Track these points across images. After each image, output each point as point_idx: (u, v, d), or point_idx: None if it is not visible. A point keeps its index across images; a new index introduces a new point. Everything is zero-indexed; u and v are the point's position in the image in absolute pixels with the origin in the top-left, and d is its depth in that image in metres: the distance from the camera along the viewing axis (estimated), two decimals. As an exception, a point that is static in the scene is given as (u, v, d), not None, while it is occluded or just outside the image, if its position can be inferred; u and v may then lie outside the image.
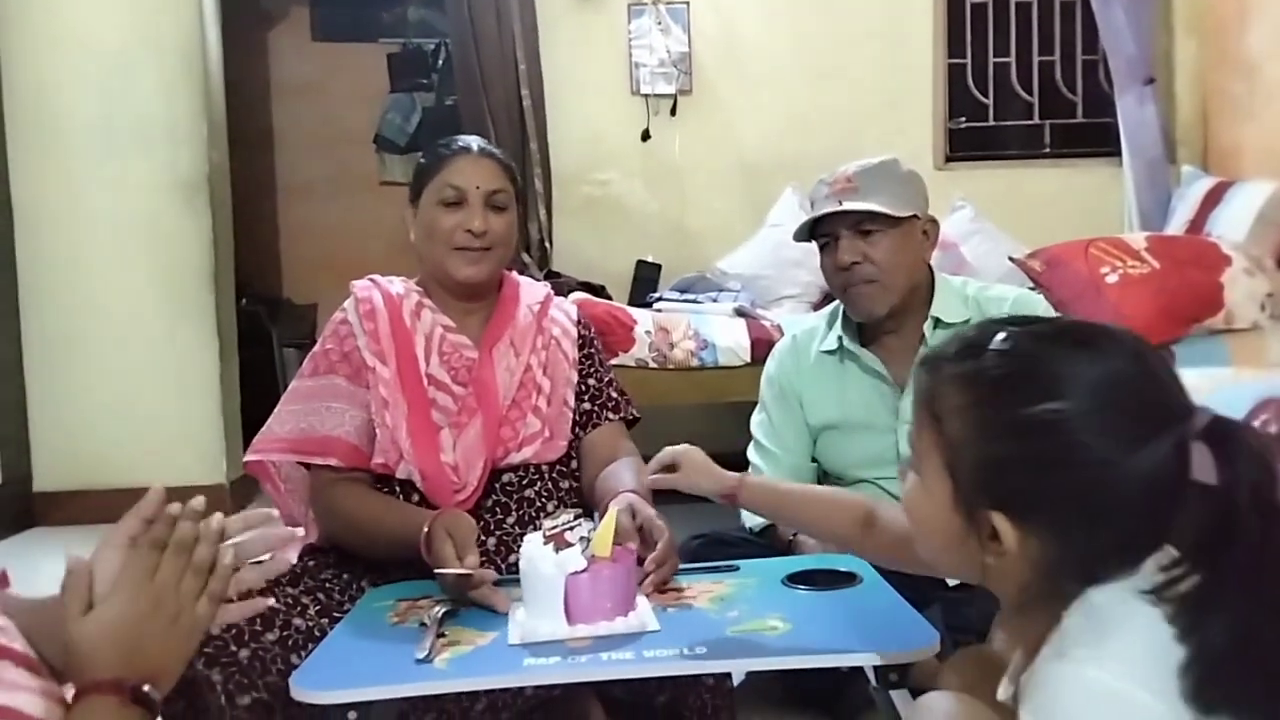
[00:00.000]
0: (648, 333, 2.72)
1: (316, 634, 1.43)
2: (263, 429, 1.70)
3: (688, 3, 3.80)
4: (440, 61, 5.21)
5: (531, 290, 1.80)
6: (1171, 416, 0.80)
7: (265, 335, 4.77)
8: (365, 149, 5.35)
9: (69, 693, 0.86)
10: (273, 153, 5.36)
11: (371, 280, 1.74)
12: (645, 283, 3.69)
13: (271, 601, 1.53)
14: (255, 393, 3.91)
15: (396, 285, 1.72)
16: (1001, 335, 0.87)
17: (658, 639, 1.24)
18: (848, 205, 1.69)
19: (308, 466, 1.68)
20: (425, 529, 1.44)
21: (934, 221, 1.79)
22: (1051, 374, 0.83)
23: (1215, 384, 2.04)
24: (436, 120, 5.24)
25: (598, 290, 3.31)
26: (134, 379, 3.50)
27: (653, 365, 2.67)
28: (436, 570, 1.39)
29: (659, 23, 3.76)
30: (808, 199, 1.85)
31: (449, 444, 1.63)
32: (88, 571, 0.88)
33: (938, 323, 1.76)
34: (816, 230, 1.77)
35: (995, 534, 0.83)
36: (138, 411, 3.50)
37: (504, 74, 3.61)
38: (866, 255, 1.71)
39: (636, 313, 2.83)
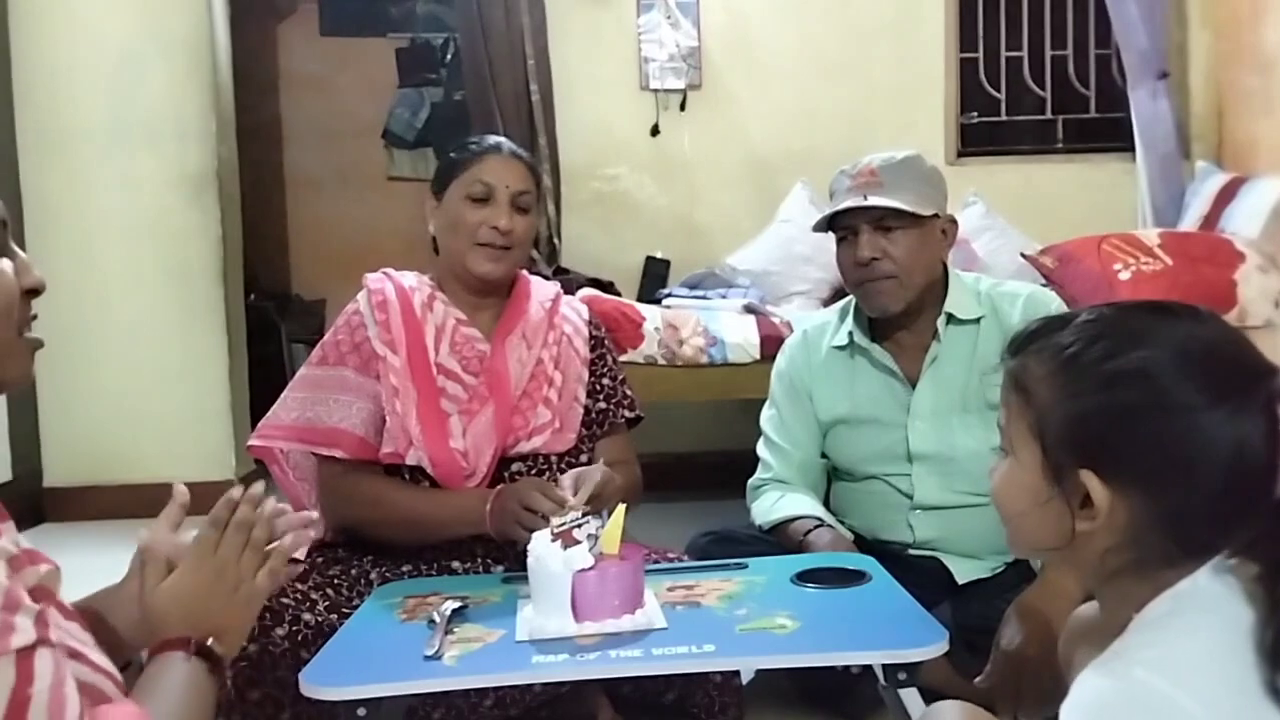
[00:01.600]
0: (656, 329, 2.71)
1: (325, 630, 1.43)
2: (268, 413, 1.71)
3: (697, -4, 3.79)
4: (449, 56, 5.20)
5: (542, 288, 1.83)
6: (1256, 374, 0.81)
7: (274, 330, 4.77)
8: (373, 144, 5.34)
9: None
10: (281, 147, 5.36)
11: (384, 273, 1.77)
12: (654, 279, 3.68)
13: (303, 566, 1.57)
14: (263, 388, 3.92)
15: (409, 279, 1.75)
16: (1085, 311, 0.90)
17: (666, 636, 1.24)
18: (872, 200, 1.67)
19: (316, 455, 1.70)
20: (489, 504, 1.52)
21: (953, 220, 1.78)
22: (1134, 330, 0.84)
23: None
24: (445, 115, 5.23)
25: (606, 286, 3.30)
26: (143, 375, 3.50)
27: (661, 362, 2.67)
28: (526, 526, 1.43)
29: (668, 17, 3.74)
30: (827, 188, 1.83)
31: (458, 430, 1.65)
32: (163, 550, 1.00)
33: (951, 319, 1.75)
34: (835, 222, 1.75)
35: (1087, 499, 0.83)
36: (147, 407, 3.50)
37: (512, 69, 3.60)
38: (886, 252, 1.70)
39: (645, 309, 2.82)
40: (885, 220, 1.70)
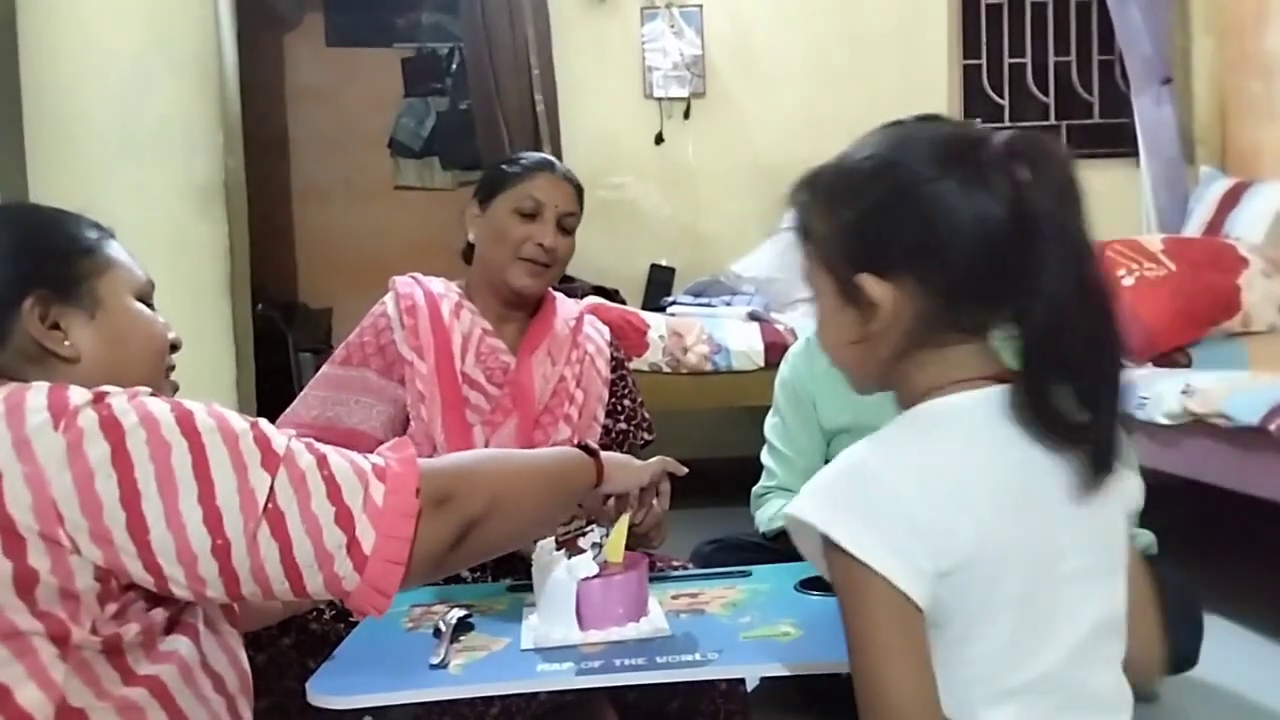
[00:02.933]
0: (661, 337, 2.72)
1: (332, 638, 1.44)
2: (289, 409, 1.71)
3: (701, 5, 3.81)
4: (454, 66, 5.22)
5: (567, 306, 1.85)
6: (981, 142, 0.87)
7: (281, 340, 4.79)
8: (380, 153, 5.37)
9: None
10: (288, 157, 5.39)
11: (413, 278, 1.77)
12: (659, 286, 3.69)
13: None
14: (271, 396, 3.94)
15: (437, 285, 1.76)
16: None
17: (670, 644, 1.24)
18: None
19: None
20: None
21: None
22: (871, 141, 0.94)
23: (1231, 387, 2.03)
24: (451, 125, 5.26)
25: (611, 294, 3.31)
26: (152, 384, 3.52)
27: (666, 370, 2.68)
28: None
29: (672, 26, 3.77)
30: None
31: (480, 440, 1.66)
32: None
33: None
34: None
35: (871, 302, 0.89)
36: (155, 416, 3.52)
37: (517, 78, 3.62)
38: None
39: (650, 317, 2.83)
40: None
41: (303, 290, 5.45)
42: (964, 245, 0.85)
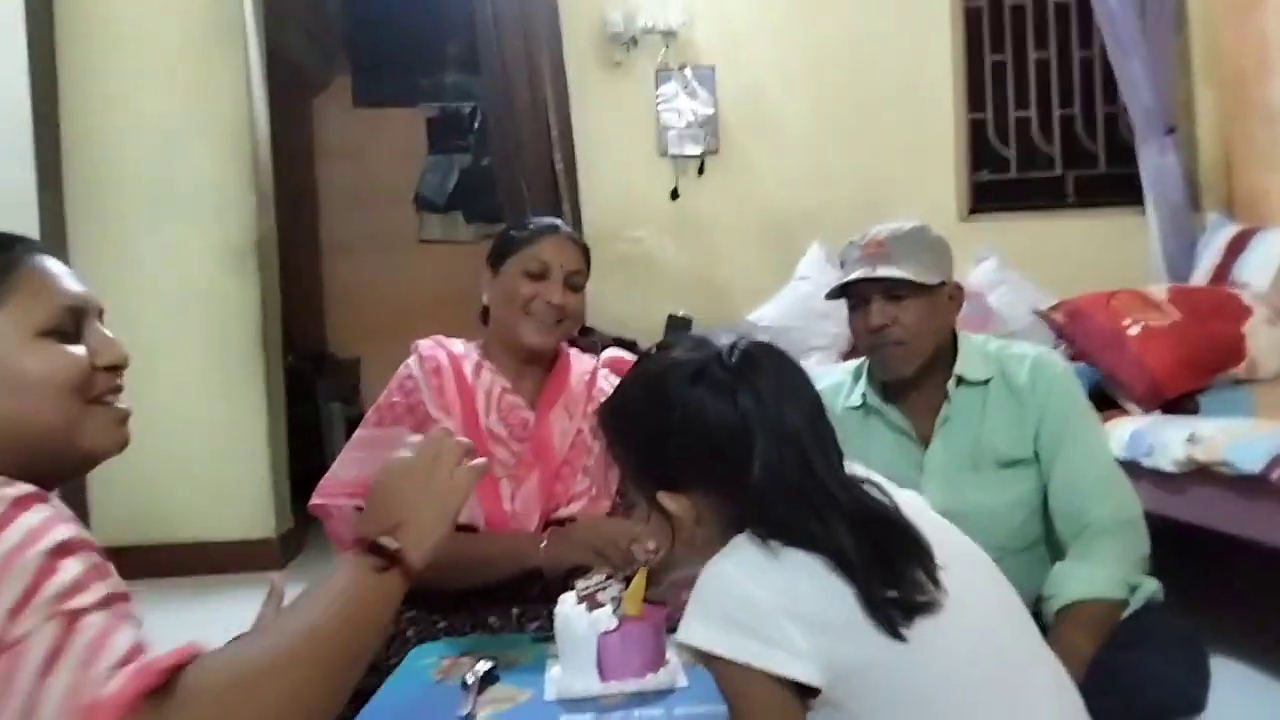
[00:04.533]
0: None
1: (364, 690, 1.51)
2: (327, 474, 1.80)
3: (714, 66, 3.92)
4: (476, 124, 5.38)
5: (581, 361, 1.93)
6: (710, 361, 1.03)
7: (311, 390, 4.91)
8: (405, 208, 5.52)
9: None
10: (317, 213, 5.55)
11: (436, 340, 1.86)
12: (677, 336, 3.76)
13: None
14: (301, 447, 4.04)
15: (458, 346, 1.86)
16: None
17: (687, 695, 1.30)
18: (881, 271, 1.73)
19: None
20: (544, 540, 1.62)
21: (959, 287, 1.84)
22: (636, 378, 1.11)
23: (1235, 436, 2.08)
24: (474, 180, 5.40)
25: (630, 345, 3.39)
26: (187, 437, 3.62)
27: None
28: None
29: (686, 87, 3.88)
30: (837, 257, 1.91)
31: (507, 494, 1.75)
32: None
33: (960, 380, 1.80)
34: (847, 291, 1.82)
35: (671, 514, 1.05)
36: (190, 468, 3.62)
37: (536, 138, 3.73)
38: (896, 319, 1.75)
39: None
40: (895, 289, 1.74)
41: (331, 341, 5.58)
42: (728, 449, 1.00)
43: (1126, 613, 1.58)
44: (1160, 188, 3.70)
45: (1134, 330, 2.63)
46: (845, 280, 1.79)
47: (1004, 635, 1.01)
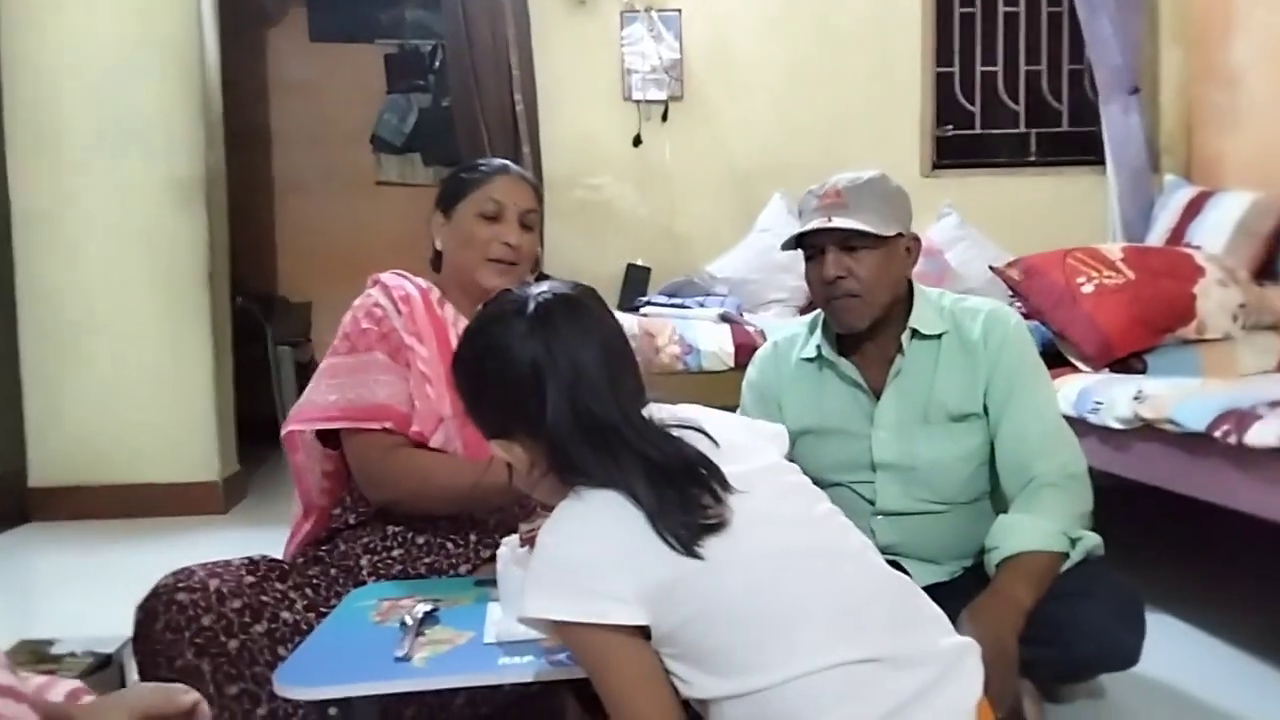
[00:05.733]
0: (633, 337, 2.76)
1: (303, 627, 1.49)
2: (300, 403, 1.75)
3: (680, 10, 3.85)
4: (437, 63, 5.26)
5: None
6: (514, 315, 1.11)
7: (260, 333, 4.81)
8: (361, 149, 5.40)
9: None
10: (269, 152, 5.41)
11: (399, 274, 1.83)
12: (635, 285, 3.74)
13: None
14: (249, 391, 3.96)
15: (420, 281, 1.82)
16: None
17: (626, 639, 1.29)
18: (836, 222, 1.71)
19: (334, 447, 1.74)
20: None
21: (916, 239, 1.82)
22: (465, 339, 1.17)
23: (1182, 395, 2.09)
24: (433, 121, 5.29)
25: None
26: (129, 377, 3.54)
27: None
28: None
29: (651, 30, 3.81)
30: (796, 207, 1.88)
31: None
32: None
33: (915, 333, 1.79)
34: (803, 241, 1.80)
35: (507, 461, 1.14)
36: (133, 409, 3.54)
37: (497, 78, 3.65)
38: (851, 270, 1.73)
39: (622, 317, 2.87)
40: (850, 240, 1.72)
41: (282, 284, 5.47)
42: (525, 395, 1.07)
43: (1066, 566, 1.60)
44: (1122, 148, 3.71)
45: (1087, 288, 2.63)
46: (801, 230, 1.77)
47: (810, 544, 1.06)
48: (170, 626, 1.40)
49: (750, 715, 0.97)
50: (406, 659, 1.25)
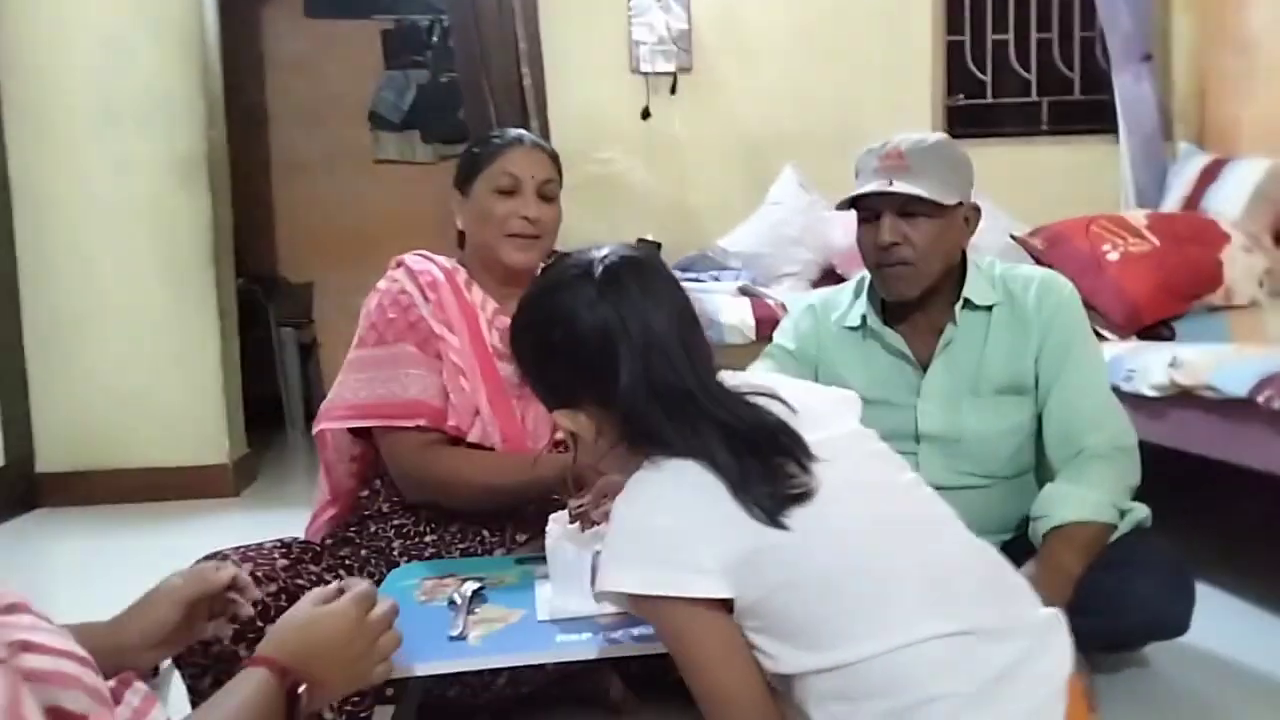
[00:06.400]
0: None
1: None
2: (329, 399, 1.71)
3: (688, -21, 3.80)
4: (435, 38, 5.18)
5: None
6: (582, 278, 1.06)
7: (261, 314, 4.76)
8: (359, 126, 5.32)
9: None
10: (267, 130, 5.33)
11: (423, 255, 1.77)
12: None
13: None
14: (251, 372, 3.92)
15: (446, 262, 1.77)
16: None
17: (685, 614, 1.27)
18: (897, 186, 1.64)
19: (362, 433, 1.70)
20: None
21: (977, 209, 1.76)
22: (529, 296, 1.13)
23: (1218, 359, 2.07)
24: (432, 97, 5.22)
25: (599, 269, 3.32)
26: (136, 359, 3.49)
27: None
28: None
29: (659, 0, 3.75)
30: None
31: (518, 414, 1.68)
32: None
33: (967, 303, 1.75)
34: (859, 203, 1.72)
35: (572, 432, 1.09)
36: (140, 392, 3.49)
37: (503, 52, 3.59)
38: (907, 237, 1.67)
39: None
40: (909, 206, 1.66)
41: (282, 265, 5.41)
42: (597, 361, 1.02)
43: (1114, 537, 1.58)
44: (1134, 115, 3.68)
45: (1113, 255, 2.61)
46: (859, 192, 1.71)
47: (899, 513, 1.03)
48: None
49: (840, 689, 0.94)
50: (462, 638, 1.22)
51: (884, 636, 0.92)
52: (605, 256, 1.07)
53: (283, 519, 1.98)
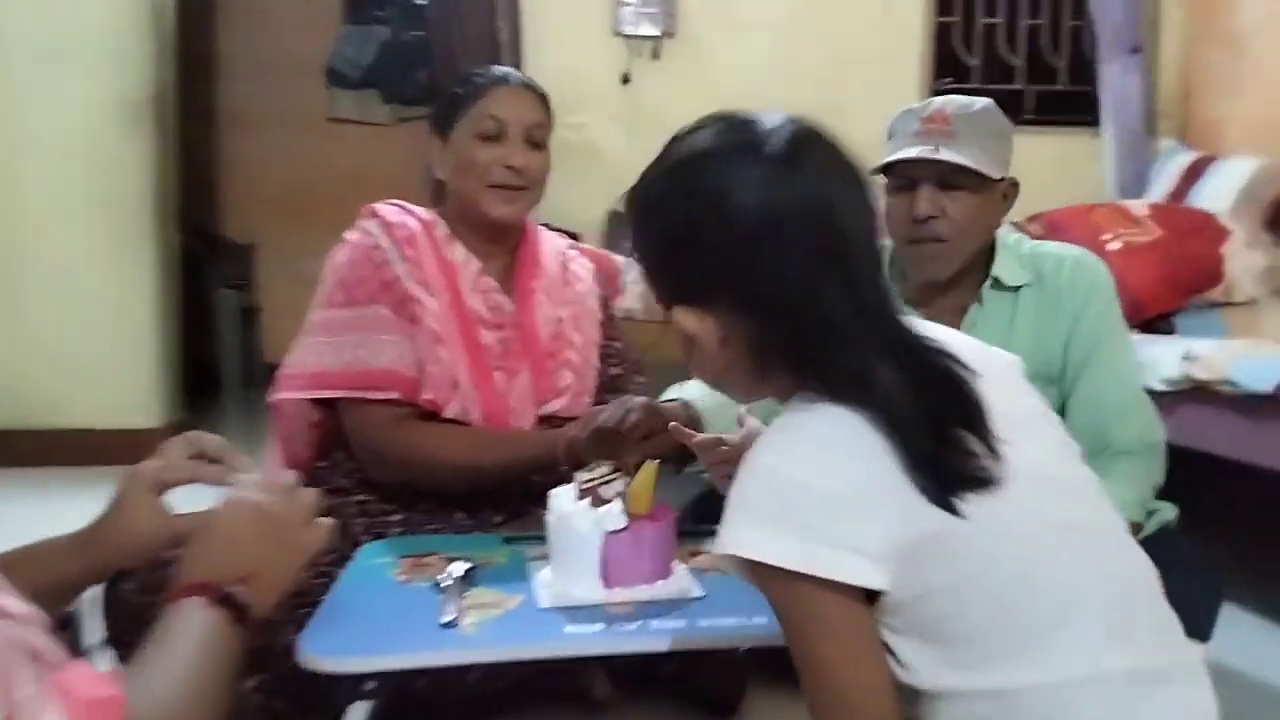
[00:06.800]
0: (635, 281, 2.58)
1: (298, 590, 1.29)
2: (287, 363, 1.54)
3: (673, -60, 3.63)
4: (399, -8, 4.94)
5: (552, 239, 1.72)
6: (745, 137, 0.85)
7: (200, 275, 4.49)
8: (315, 82, 5.06)
9: None
10: (215, 79, 5.05)
11: (400, 206, 1.60)
12: (619, 231, 3.54)
13: None
14: (188, 334, 3.69)
15: (424, 214, 1.60)
16: None
17: (707, 606, 1.13)
18: (944, 155, 1.49)
19: (324, 400, 1.52)
20: (570, 436, 1.39)
21: (1015, 184, 1.61)
22: (668, 160, 0.90)
23: (1236, 353, 1.99)
24: (394, 56, 4.98)
25: (572, 238, 3.16)
26: (69, 312, 3.25)
27: (641, 316, 2.55)
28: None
29: (644, -41, 3.59)
30: (888, 127, 1.63)
31: (502, 386, 1.54)
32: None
33: (996, 283, 1.61)
34: (892, 168, 1.56)
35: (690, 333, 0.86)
36: (71, 347, 3.25)
37: (478, 6, 3.41)
38: (945, 211, 1.52)
39: (626, 261, 2.70)
40: (951, 178, 1.51)
41: (225, 223, 5.14)
42: (756, 254, 0.81)
43: (1140, 536, 1.48)
44: (1119, 109, 3.62)
45: (1114, 245, 2.53)
46: (897, 157, 1.55)
47: (1083, 519, 0.85)
48: (145, 586, 1.18)
49: (984, 717, 0.77)
50: (452, 625, 1.07)
51: (1055, 665, 0.76)
52: (781, 125, 0.85)
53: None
